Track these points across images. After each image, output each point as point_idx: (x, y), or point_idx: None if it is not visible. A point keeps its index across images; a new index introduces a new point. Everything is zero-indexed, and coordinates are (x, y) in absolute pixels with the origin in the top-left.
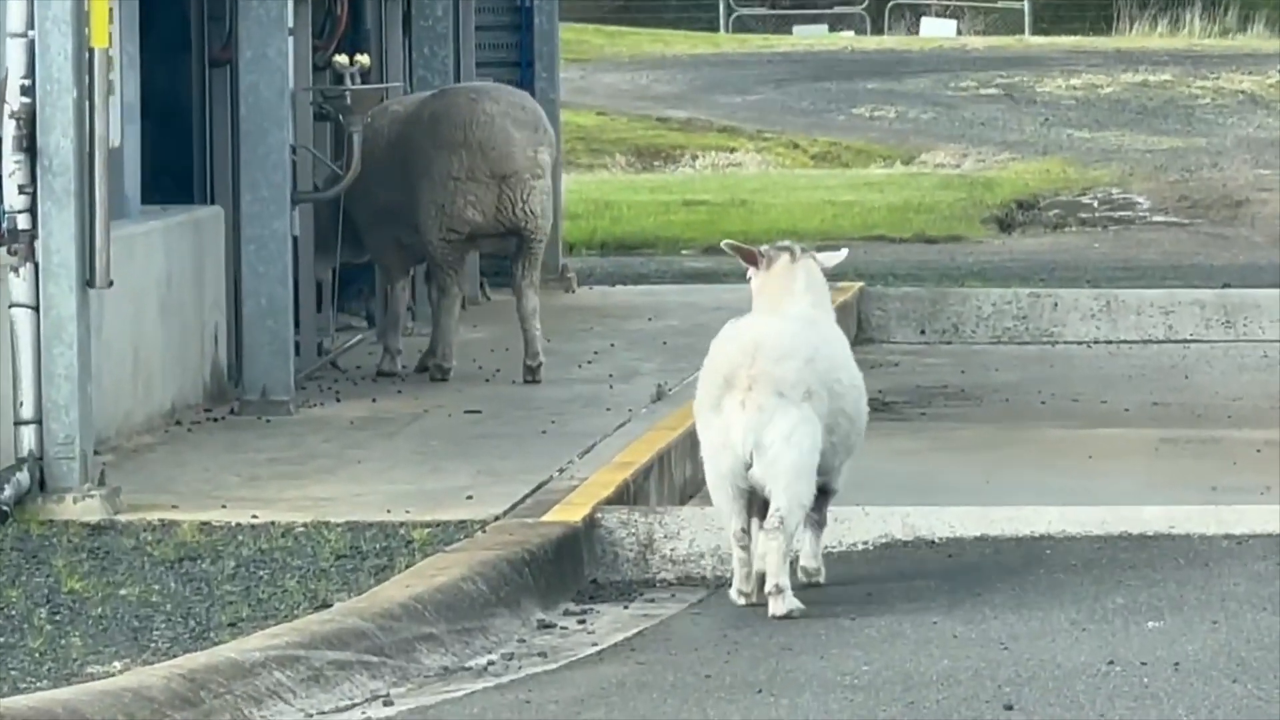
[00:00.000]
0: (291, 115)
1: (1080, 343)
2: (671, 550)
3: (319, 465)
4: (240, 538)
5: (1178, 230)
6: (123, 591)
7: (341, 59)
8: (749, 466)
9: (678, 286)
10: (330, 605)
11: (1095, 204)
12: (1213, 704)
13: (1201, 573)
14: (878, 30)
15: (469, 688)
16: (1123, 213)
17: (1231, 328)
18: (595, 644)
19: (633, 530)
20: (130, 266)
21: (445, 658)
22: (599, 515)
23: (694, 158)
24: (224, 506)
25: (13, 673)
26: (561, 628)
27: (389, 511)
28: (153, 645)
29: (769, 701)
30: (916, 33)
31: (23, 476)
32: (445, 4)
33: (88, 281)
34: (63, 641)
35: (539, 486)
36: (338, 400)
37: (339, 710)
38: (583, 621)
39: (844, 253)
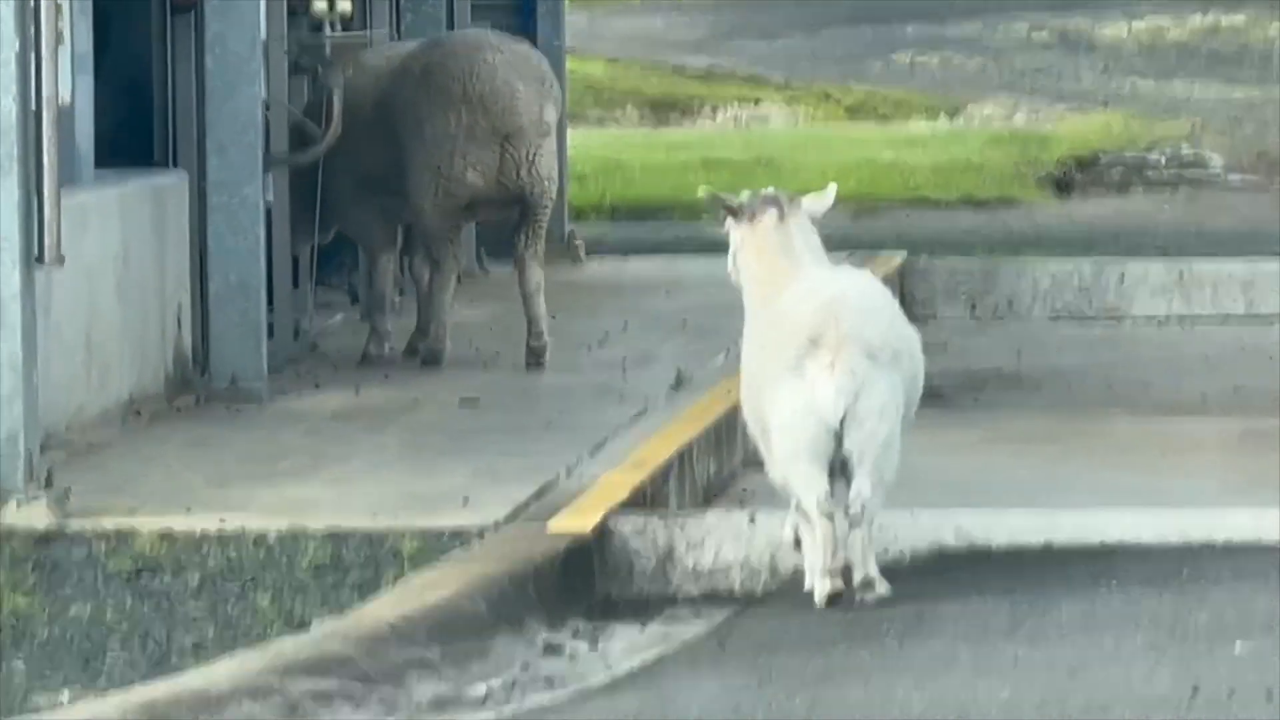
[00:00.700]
0: (264, 68)
1: (1150, 319)
2: (695, 562)
3: (296, 463)
4: (206, 547)
5: (1256, 192)
6: (72, 610)
7: (320, 4)
8: (837, 435)
9: (698, 258)
10: (308, 626)
11: (1163, 162)
12: None
13: None
14: None
15: (466, 719)
16: (1194, 172)
17: None
18: (608, 669)
19: (650, 539)
20: (83, 240)
21: (439, 686)
22: (612, 522)
23: (714, 111)
24: (188, 511)
25: None
26: (570, 651)
27: (375, 517)
28: (106, 672)
29: None
30: None
31: None
32: None
33: (35, 258)
34: (3, 668)
35: (544, 489)
36: (317, 389)
37: None
38: (594, 643)
39: (832, 192)
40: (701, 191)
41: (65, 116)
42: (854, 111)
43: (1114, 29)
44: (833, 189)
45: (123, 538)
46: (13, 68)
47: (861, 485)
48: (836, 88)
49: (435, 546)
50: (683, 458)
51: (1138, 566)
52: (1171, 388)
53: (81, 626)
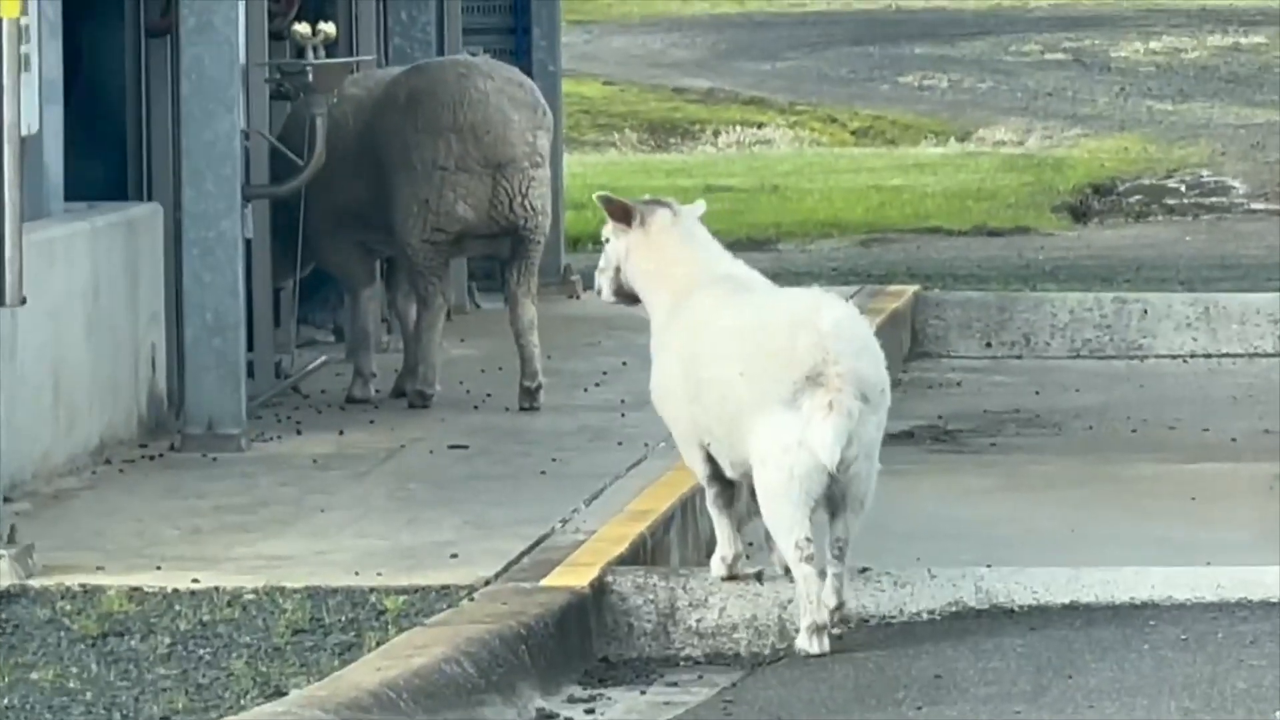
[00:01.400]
0: (243, 95)
1: (1174, 357)
2: (698, 621)
3: (274, 514)
4: (177, 607)
5: None
6: (34, 675)
7: (302, 27)
8: (829, 474)
9: None
10: (285, 693)
11: (1182, 189)
12: None
13: None
14: None
15: None
16: (1215, 199)
17: None
18: None
19: (651, 597)
20: (50, 277)
21: None
22: (610, 578)
23: (716, 135)
24: (159, 568)
25: None
26: (566, 718)
27: (357, 574)
28: None
29: None
30: None
31: None
32: None
33: None
34: None
35: (538, 542)
36: (298, 433)
37: None
38: (591, 710)
39: (702, 205)
40: (596, 197)
41: (33, 146)
42: (860, 135)
43: (1130, 49)
44: (702, 204)
45: (89, 596)
46: None
47: (849, 521)
48: (842, 110)
49: (421, 605)
50: (685, 508)
51: (1170, 626)
52: (1199, 429)
53: (44, 694)
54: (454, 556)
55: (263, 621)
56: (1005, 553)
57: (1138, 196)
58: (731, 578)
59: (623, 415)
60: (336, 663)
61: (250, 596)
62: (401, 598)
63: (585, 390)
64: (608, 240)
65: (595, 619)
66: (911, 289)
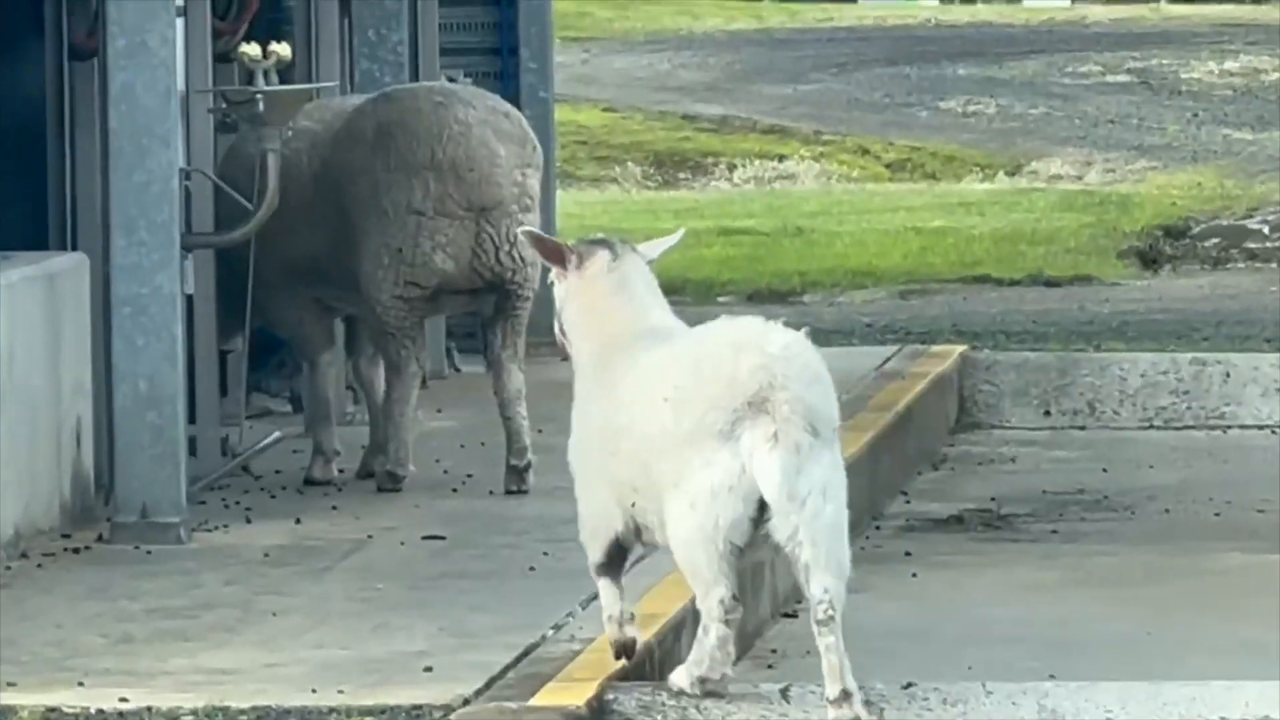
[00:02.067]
0: (182, 128)
1: (1262, 427)
2: None
3: (218, 620)
4: None
5: None
6: None
7: (251, 49)
8: (754, 520)
9: None
10: None
11: (1265, 230)
12: None
13: None
14: None
15: None
16: None
17: None
18: None
19: (659, 717)
20: None
21: None
22: (611, 696)
23: (731, 169)
24: (81, 684)
25: None
26: None
27: (314, 691)
28: None
29: None
30: (1019, 0)
31: None
32: None
33: None
34: None
35: (526, 652)
36: (248, 522)
37: None
38: None
39: (678, 236)
40: (520, 233)
41: None
42: (896, 169)
43: (1203, 69)
44: (680, 234)
45: None
46: None
47: (825, 580)
48: (876, 141)
49: None
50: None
51: None
52: None
53: None
54: (428, 670)
55: None
56: (1072, 662)
57: (1215, 239)
58: (622, 641)
59: None
60: None
61: (189, 718)
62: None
63: None
64: (552, 283)
65: None
66: (958, 349)
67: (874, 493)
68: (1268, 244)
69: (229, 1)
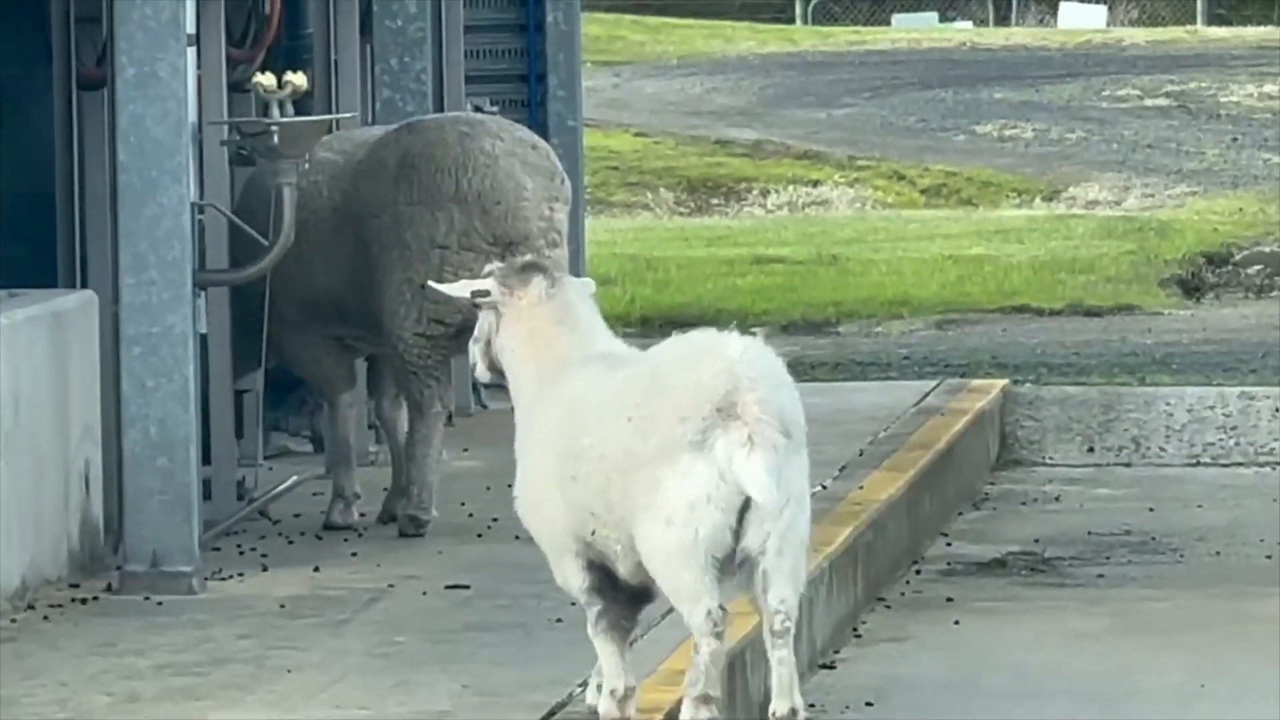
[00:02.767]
0: (194, 160)
1: None
2: None
3: (230, 677)
4: None
5: None
6: None
7: (266, 79)
8: (734, 531)
9: None
10: None
11: None
12: None
13: None
14: (1004, 20)
15: None
16: None
17: None
18: None
19: None
20: None
21: None
22: None
23: (764, 194)
24: None
25: None
26: None
27: None
28: None
29: None
30: (1054, 23)
31: None
32: None
33: None
34: None
35: (553, 711)
36: (264, 569)
37: None
38: None
39: (591, 284)
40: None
41: None
42: (932, 194)
43: (1241, 93)
44: (590, 283)
45: None
46: None
47: (784, 591)
48: (911, 166)
49: None
50: (734, 666)
51: None
52: None
53: None
54: None
55: None
56: (1120, 713)
57: (1258, 266)
58: None
59: None
60: None
61: None
62: None
63: None
64: (478, 306)
65: None
66: (999, 384)
67: (914, 534)
68: None
69: (246, 28)
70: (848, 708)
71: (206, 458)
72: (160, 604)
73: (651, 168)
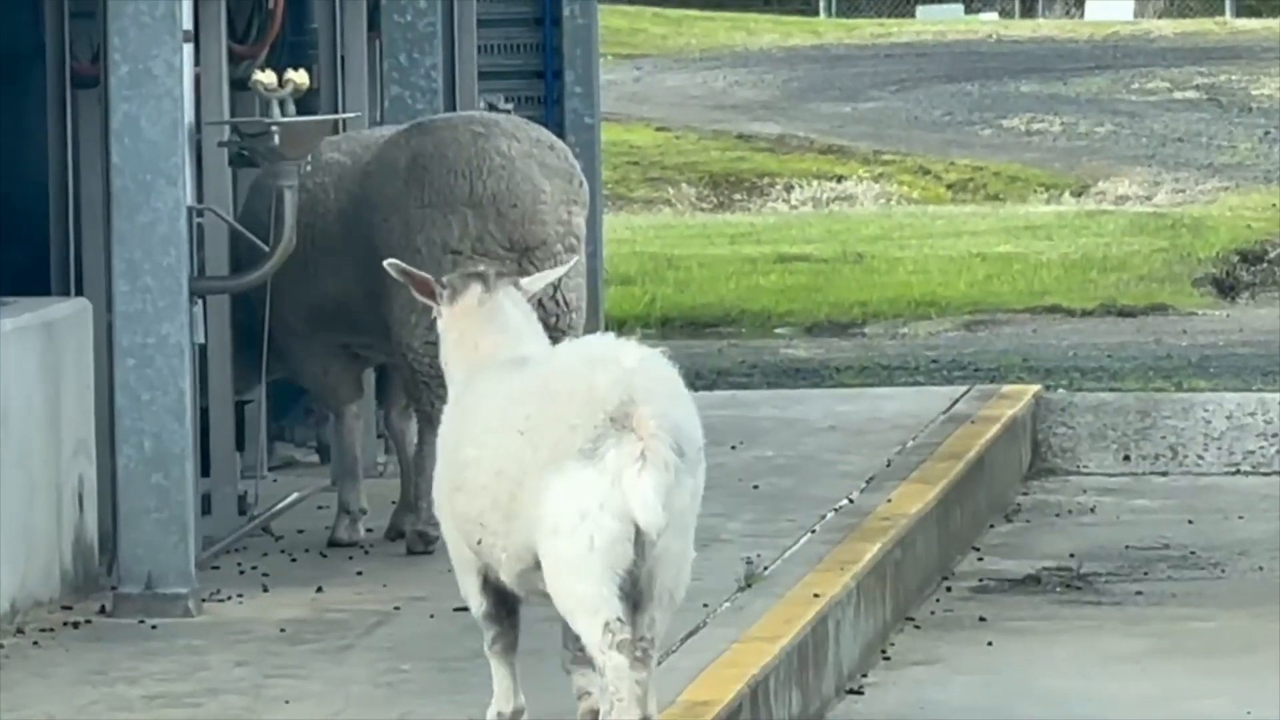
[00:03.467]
0: (191, 162)
1: None
2: None
3: (225, 708)
4: None
5: None
6: None
7: (266, 77)
8: (634, 541)
9: (772, 392)
10: None
11: None
12: None
13: None
14: (1030, 11)
15: None
16: None
17: None
18: None
19: None
20: None
21: None
22: None
23: (788, 190)
24: None
25: None
26: None
27: None
28: None
29: None
30: (1081, 14)
31: None
32: None
33: None
34: None
35: None
36: (264, 590)
37: None
38: None
39: (567, 266)
40: (388, 264)
41: None
42: (958, 189)
43: (1273, 85)
44: (574, 260)
45: None
46: None
47: (658, 620)
48: (937, 160)
49: None
50: (755, 694)
51: None
52: None
53: None
54: None
55: None
56: None
57: None
58: None
59: None
60: None
61: None
62: None
63: None
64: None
65: None
66: (1031, 390)
67: (944, 549)
68: None
69: (249, 23)
70: None
71: (206, 470)
72: (154, 628)
73: (673, 163)
